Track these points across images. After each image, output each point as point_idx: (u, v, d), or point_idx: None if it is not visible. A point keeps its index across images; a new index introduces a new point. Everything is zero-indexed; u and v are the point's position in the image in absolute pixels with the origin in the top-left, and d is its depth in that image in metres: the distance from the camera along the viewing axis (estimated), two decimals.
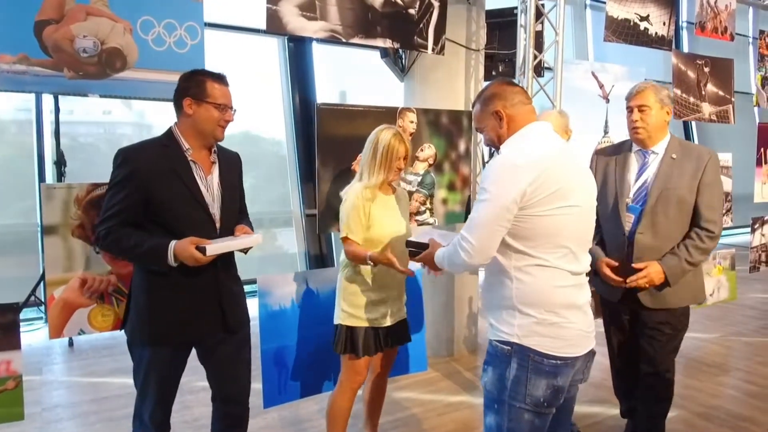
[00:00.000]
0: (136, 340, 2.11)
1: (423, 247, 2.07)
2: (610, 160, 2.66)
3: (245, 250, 2.20)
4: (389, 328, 2.56)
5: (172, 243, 1.95)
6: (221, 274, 2.12)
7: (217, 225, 2.10)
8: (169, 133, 2.08)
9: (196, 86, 2.03)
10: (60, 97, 3.72)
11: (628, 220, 2.55)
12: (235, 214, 2.23)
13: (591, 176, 1.89)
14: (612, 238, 2.63)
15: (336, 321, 2.56)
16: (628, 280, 2.49)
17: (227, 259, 2.16)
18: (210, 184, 2.10)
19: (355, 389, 2.60)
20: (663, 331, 2.58)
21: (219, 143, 2.18)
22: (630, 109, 2.53)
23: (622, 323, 2.76)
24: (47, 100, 5.20)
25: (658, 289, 2.52)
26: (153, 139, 2.09)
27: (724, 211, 4.67)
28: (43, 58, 2.38)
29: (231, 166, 2.23)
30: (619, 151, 2.66)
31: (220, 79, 2.08)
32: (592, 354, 1.86)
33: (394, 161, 2.45)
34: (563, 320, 1.74)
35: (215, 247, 1.97)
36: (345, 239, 2.46)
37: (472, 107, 1.95)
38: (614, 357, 2.90)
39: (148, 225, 2.00)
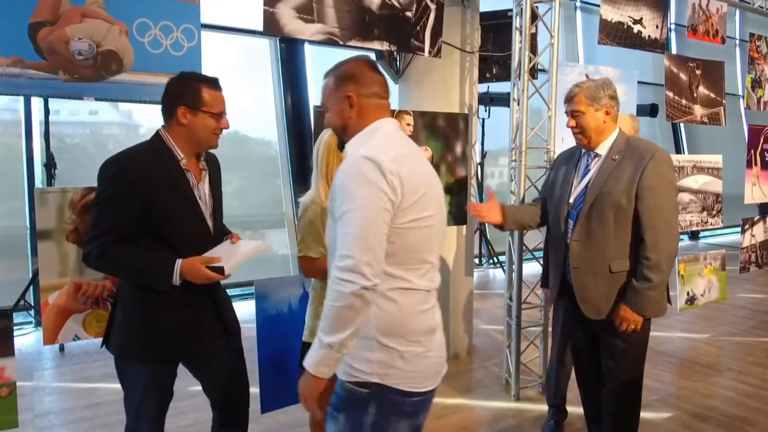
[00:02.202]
0: (129, 357, 1.98)
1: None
2: (564, 163, 2.57)
3: None
4: None
5: (179, 262, 1.85)
6: (212, 283, 2.00)
7: (211, 234, 2.03)
8: (160, 140, 1.94)
9: (191, 94, 1.91)
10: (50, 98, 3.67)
11: (569, 225, 2.44)
12: (221, 221, 2.15)
13: (439, 181, 1.65)
14: (555, 243, 2.55)
15: (307, 339, 2.36)
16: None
17: None
18: (202, 193, 2.01)
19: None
20: (616, 344, 2.41)
21: None
22: (567, 115, 2.44)
23: (576, 339, 2.66)
24: (36, 101, 5.14)
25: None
26: (142, 145, 1.96)
27: (715, 212, 4.72)
28: (37, 60, 2.34)
29: (215, 171, 2.14)
30: (574, 153, 2.55)
31: (214, 84, 1.96)
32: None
33: (334, 159, 2.28)
34: (425, 350, 1.52)
35: (232, 264, 1.89)
36: (303, 258, 2.27)
37: (324, 78, 1.66)
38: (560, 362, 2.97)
39: (142, 238, 1.88)
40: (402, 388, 1.47)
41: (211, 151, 2.11)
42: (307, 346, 2.34)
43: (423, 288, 1.53)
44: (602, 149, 2.38)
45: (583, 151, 2.47)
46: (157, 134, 1.97)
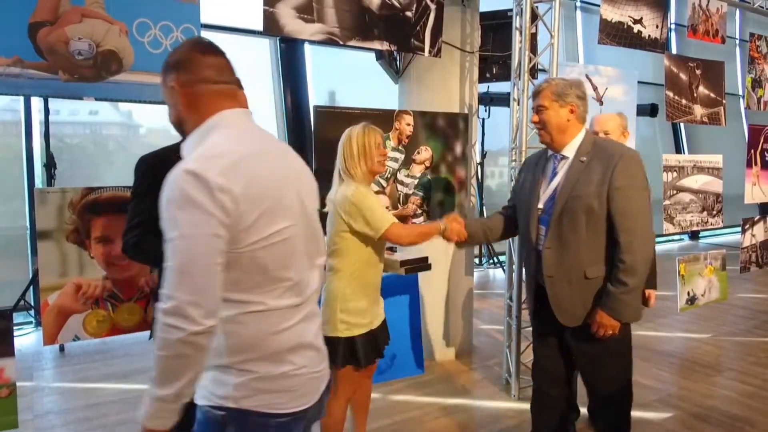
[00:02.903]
0: None
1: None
2: (532, 167, 2.46)
3: None
4: (379, 329, 2.49)
5: None
6: None
7: None
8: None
9: None
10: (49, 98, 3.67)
11: (541, 232, 2.33)
12: None
13: (307, 176, 1.48)
14: (527, 250, 2.45)
15: (330, 334, 2.35)
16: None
17: None
18: None
19: (350, 397, 2.54)
20: (597, 354, 2.33)
21: None
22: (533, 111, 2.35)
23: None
24: (36, 101, 5.13)
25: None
26: (176, 144, 2.02)
27: (715, 212, 4.72)
28: (37, 60, 2.34)
29: None
30: (541, 156, 2.44)
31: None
32: (327, 390, 1.52)
33: (374, 150, 2.38)
34: (291, 368, 1.36)
35: None
36: (389, 230, 2.30)
37: None
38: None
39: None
40: (262, 410, 1.32)
41: None
42: (335, 341, 2.36)
43: (283, 306, 1.34)
44: (569, 151, 2.28)
45: (550, 153, 2.37)
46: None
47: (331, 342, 2.34)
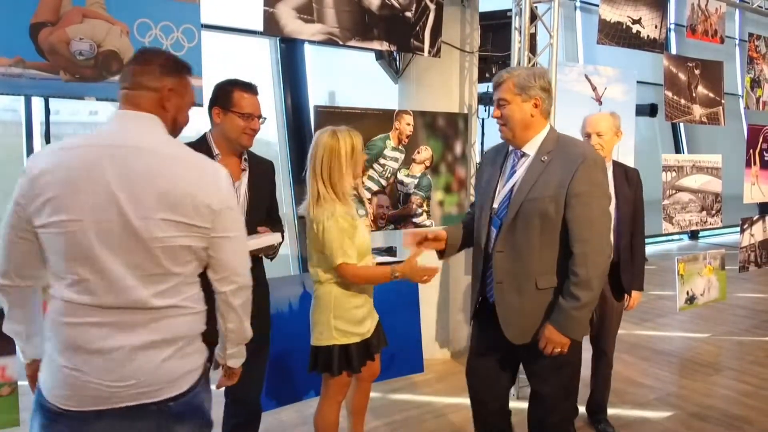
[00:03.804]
0: None
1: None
2: (491, 163, 2.25)
3: (271, 256, 2.29)
4: (373, 334, 2.46)
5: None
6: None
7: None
8: (203, 138, 2.16)
9: (223, 96, 2.12)
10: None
11: (492, 234, 2.14)
12: (261, 222, 2.24)
13: (151, 184, 1.38)
14: (476, 252, 2.25)
15: (325, 342, 2.33)
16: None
17: None
18: (236, 190, 2.13)
19: (341, 401, 2.50)
20: (543, 366, 2.15)
21: (251, 151, 2.24)
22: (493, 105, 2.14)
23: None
24: (36, 101, 5.14)
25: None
26: (190, 143, 2.08)
27: (714, 212, 4.73)
28: (38, 60, 2.35)
29: (263, 173, 2.29)
30: (500, 151, 2.24)
31: (248, 88, 2.14)
32: (121, 413, 1.41)
33: (361, 154, 2.29)
34: (70, 366, 1.38)
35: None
36: (342, 266, 2.25)
37: None
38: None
39: None
40: (40, 388, 1.44)
41: None
42: (329, 349, 2.33)
43: (68, 299, 1.38)
44: (530, 149, 2.09)
45: (510, 148, 2.17)
46: (203, 134, 2.18)
47: (325, 350, 2.33)
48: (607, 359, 3.10)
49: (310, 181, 2.27)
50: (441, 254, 2.34)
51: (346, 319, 2.33)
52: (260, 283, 2.21)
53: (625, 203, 2.91)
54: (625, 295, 2.99)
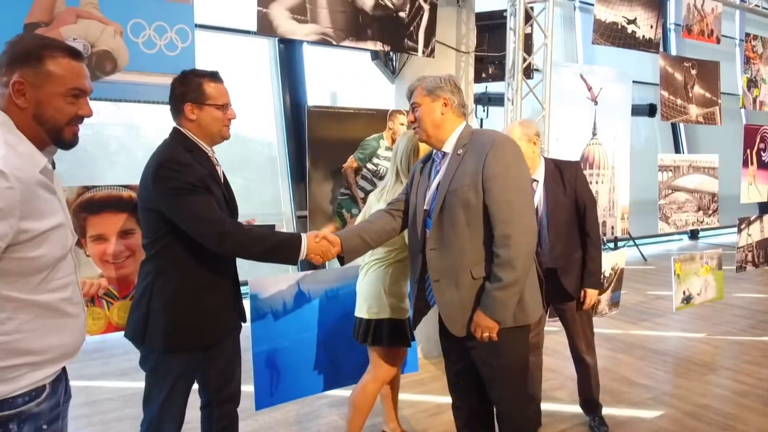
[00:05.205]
0: (178, 346, 1.99)
1: None
2: (421, 171, 2.31)
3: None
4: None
5: (304, 236, 2.06)
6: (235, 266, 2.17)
7: None
8: (183, 136, 2.01)
9: (194, 90, 1.98)
10: None
11: (426, 234, 2.17)
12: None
13: None
14: (413, 257, 2.29)
15: (382, 315, 2.56)
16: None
17: None
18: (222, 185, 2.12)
19: (387, 382, 2.70)
20: (485, 360, 2.15)
21: None
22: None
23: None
24: None
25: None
26: (170, 144, 2.01)
27: (711, 212, 4.73)
28: None
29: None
30: (429, 159, 2.31)
31: (214, 77, 2.03)
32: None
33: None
34: None
35: None
36: None
37: None
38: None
39: (180, 231, 1.92)
40: None
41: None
42: (385, 323, 2.57)
43: None
44: (448, 147, 2.15)
45: (434, 152, 2.25)
46: (178, 132, 2.03)
47: (376, 324, 2.56)
48: (585, 363, 3.09)
49: (390, 174, 2.66)
50: (342, 260, 2.31)
51: (398, 294, 2.58)
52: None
53: (560, 209, 2.78)
54: (581, 295, 2.87)
